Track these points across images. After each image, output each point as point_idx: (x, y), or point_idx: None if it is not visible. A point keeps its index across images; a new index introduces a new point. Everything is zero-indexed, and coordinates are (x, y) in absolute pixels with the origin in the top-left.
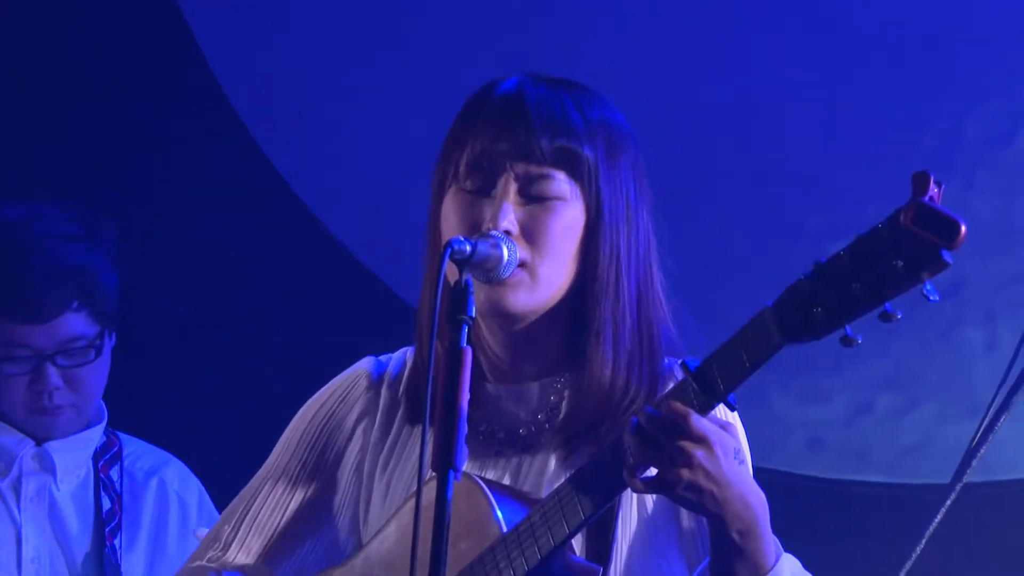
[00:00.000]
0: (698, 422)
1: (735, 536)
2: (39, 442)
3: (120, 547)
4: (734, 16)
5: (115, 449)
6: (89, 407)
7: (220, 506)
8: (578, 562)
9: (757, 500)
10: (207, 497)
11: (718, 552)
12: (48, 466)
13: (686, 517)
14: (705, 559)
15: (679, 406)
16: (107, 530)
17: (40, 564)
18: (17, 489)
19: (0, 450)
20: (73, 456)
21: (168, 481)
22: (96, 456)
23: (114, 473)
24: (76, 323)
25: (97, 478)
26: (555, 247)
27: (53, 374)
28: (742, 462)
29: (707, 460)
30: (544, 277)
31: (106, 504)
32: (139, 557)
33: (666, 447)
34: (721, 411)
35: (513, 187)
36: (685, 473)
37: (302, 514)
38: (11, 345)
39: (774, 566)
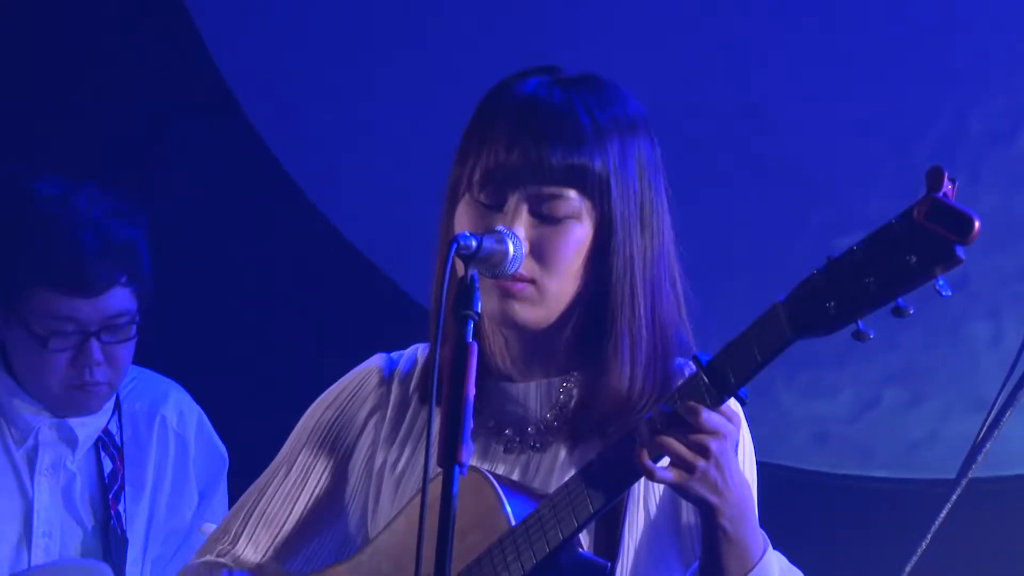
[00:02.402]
0: (709, 417)
1: (727, 525)
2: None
3: (124, 511)
4: (739, 14)
5: (112, 399)
6: (119, 384)
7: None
8: (586, 557)
9: (747, 487)
10: (208, 426)
11: (709, 545)
12: (68, 437)
13: (685, 514)
14: (696, 562)
15: (691, 405)
16: (110, 496)
17: (51, 538)
18: (32, 460)
19: (17, 418)
20: (91, 427)
21: (168, 419)
22: None
23: (112, 426)
24: (123, 299)
25: (97, 438)
26: (565, 266)
27: (96, 350)
28: (735, 452)
29: (719, 452)
30: (553, 294)
31: (107, 465)
32: (143, 508)
33: (680, 441)
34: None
35: (524, 207)
36: (700, 463)
37: (312, 508)
38: (59, 319)
39: (762, 557)
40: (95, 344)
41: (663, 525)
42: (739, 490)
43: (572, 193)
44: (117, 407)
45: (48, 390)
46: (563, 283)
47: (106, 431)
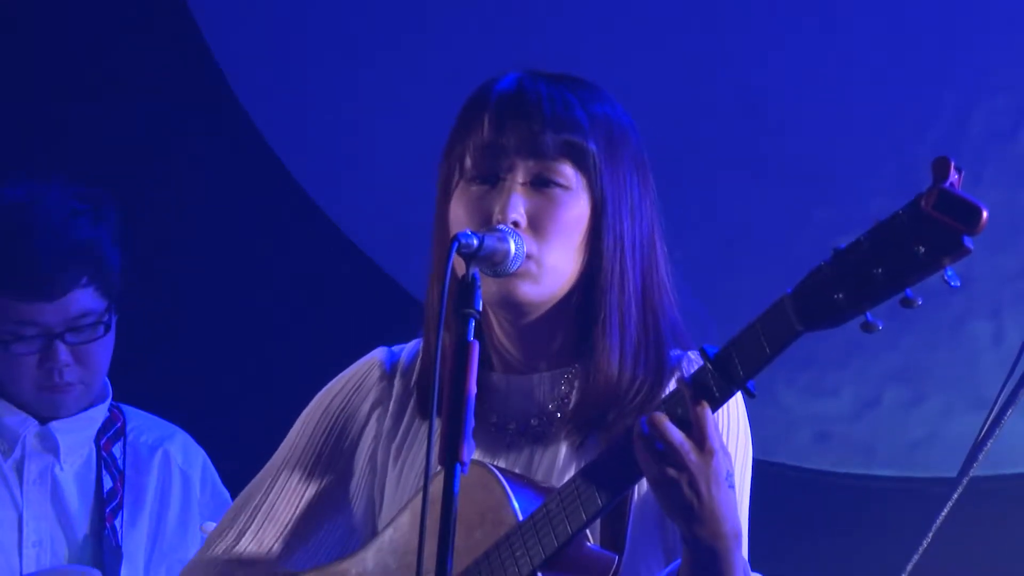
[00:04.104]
0: (709, 424)
1: (700, 557)
2: (43, 421)
3: (121, 527)
4: (739, 13)
5: (118, 425)
6: (96, 383)
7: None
8: (595, 550)
9: (731, 530)
10: (212, 469)
11: (684, 566)
12: (51, 446)
13: None
14: (677, 560)
15: (702, 412)
16: (108, 510)
17: (42, 547)
18: (20, 471)
19: (3, 429)
20: (77, 436)
21: (172, 455)
22: (98, 434)
23: (116, 450)
24: (85, 299)
25: (99, 457)
26: (561, 237)
27: (63, 351)
28: (731, 486)
29: (696, 469)
30: (550, 267)
31: (107, 483)
32: (141, 533)
33: (654, 444)
34: (735, 404)
35: (520, 179)
36: (671, 473)
37: (316, 503)
38: (20, 323)
39: None
40: (60, 345)
41: (651, 516)
42: (719, 526)
43: (567, 166)
44: (123, 434)
45: (22, 393)
46: (560, 257)
47: (110, 453)
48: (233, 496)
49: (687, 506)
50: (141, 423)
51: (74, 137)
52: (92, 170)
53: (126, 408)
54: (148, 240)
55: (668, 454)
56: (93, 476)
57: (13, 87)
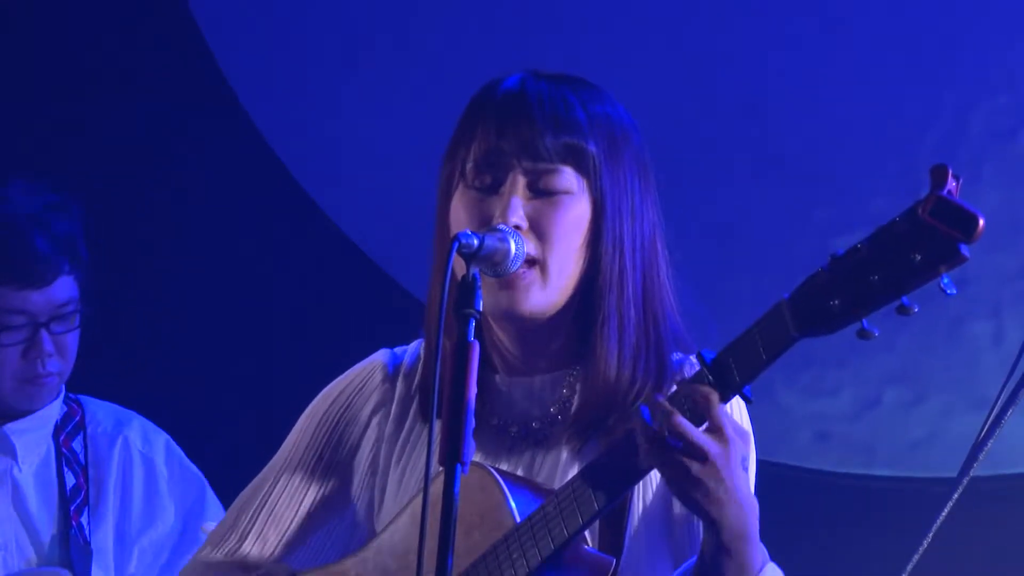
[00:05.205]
0: (722, 414)
1: (726, 540)
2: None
3: (88, 524)
4: (739, 13)
5: (77, 418)
6: (67, 376)
7: (222, 492)
8: (592, 554)
9: (751, 508)
10: (176, 448)
11: (706, 556)
12: (7, 449)
13: (676, 505)
14: (692, 558)
15: (706, 388)
16: (72, 508)
17: (8, 551)
18: None
19: None
20: (33, 436)
21: (131, 441)
22: (57, 430)
23: (77, 444)
24: (68, 287)
25: (59, 453)
26: (563, 240)
27: (47, 341)
28: (746, 469)
29: (720, 459)
30: (554, 272)
31: (70, 480)
32: (108, 526)
33: (677, 437)
34: (736, 407)
35: (521, 183)
36: (695, 467)
37: (318, 505)
38: (8, 312)
39: (760, 572)
40: (45, 335)
41: (657, 519)
42: (742, 507)
43: (568, 169)
44: (82, 427)
45: (1, 386)
46: (564, 261)
47: (70, 449)
48: (219, 484)
49: (708, 493)
50: (99, 413)
51: (75, 137)
52: (92, 169)
53: (83, 398)
54: (148, 240)
55: (689, 450)
56: (54, 474)
57: (13, 87)
